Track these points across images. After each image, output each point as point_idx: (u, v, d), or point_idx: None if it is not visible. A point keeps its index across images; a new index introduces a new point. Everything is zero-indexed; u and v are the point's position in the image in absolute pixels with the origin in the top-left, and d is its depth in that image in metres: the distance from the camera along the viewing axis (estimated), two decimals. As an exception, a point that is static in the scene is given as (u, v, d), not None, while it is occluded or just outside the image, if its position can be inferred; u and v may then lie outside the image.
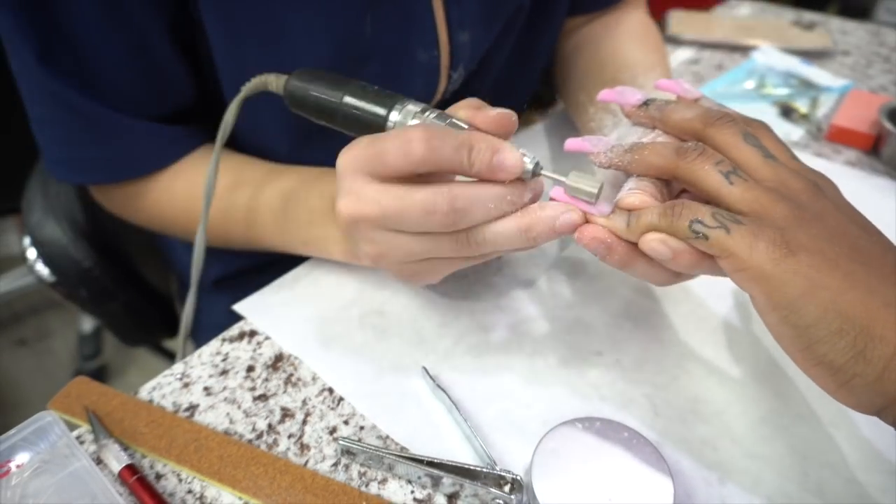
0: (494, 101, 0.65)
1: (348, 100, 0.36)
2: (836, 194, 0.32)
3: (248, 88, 0.40)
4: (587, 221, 0.34)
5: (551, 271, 0.50)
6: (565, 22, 0.66)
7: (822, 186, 0.32)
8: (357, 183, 0.33)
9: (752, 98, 0.73)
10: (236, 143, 0.55)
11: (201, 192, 0.44)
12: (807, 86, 0.76)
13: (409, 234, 0.34)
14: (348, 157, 0.34)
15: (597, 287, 0.48)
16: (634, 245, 0.33)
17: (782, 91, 0.75)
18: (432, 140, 0.31)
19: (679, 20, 0.92)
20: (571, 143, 0.37)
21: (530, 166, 0.33)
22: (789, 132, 0.68)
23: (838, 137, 0.67)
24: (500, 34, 0.57)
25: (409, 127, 0.33)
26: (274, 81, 0.39)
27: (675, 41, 0.89)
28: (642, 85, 0.48)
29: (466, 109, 0.34)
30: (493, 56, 0.58)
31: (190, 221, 0.51)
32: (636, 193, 0.33)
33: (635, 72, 0.50)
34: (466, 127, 0.34)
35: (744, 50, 0.86)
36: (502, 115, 0.34)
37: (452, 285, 0.48)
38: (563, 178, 0.33)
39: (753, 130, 0.34)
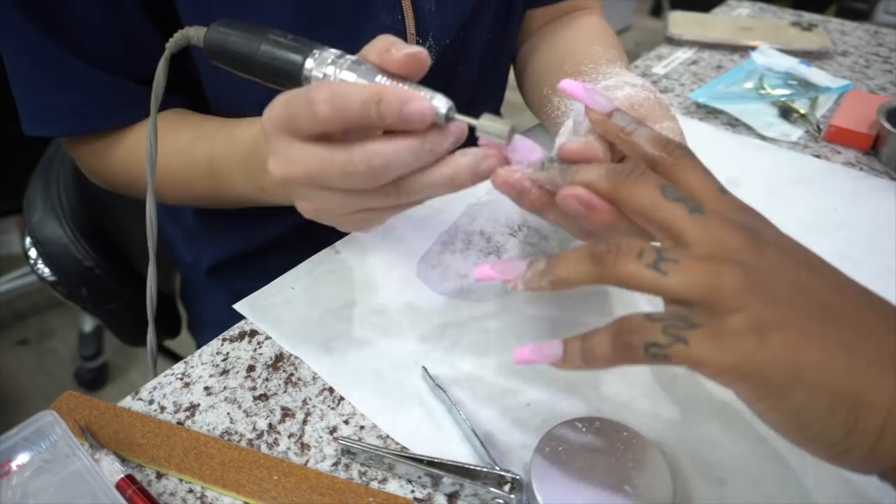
0: (482, 81, 0.66)
1: (264, 48, 0.35)
2: (773, 234, 0.29)
3: (171, 45, 0.39)
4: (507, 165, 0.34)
5: (551, 271, 0.50)
6: (525, 16, 0.66)
7: (758, 228, 0.29)
8: (282, 143, 0.33)
9: (751, 98, 0.74)
10: (210, 102, 0.56)
11: (164, 149, 0.45)
12: (806, 86, 0.76)
13: (338, 191, 0.34)
14: (268, 117, 0.33)
15: (597, 287, 0.48)
16: (547, 193, 0.34)
17: (781, 91, 0.75)
18: (336, 99, 0.31)
19: (678, 20, 0.92)
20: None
21: (443, 111, 0.32)
22: (788, 133, 0.68)
23: (837, 138, 0.67)
24: (475, 10, 0.57)
25: (314, 87, 0.32)
26: (195, 34, 0.37)
27: (675, 41, 0.89)
28: (605, 74, 0.47)
29: (376, 52, 0.33)
30: (471, 34, 0.59)
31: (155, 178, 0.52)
32: (578, 139, 0.34)
33: (598, 64, 0.49)
34: (377, 73, 0.33)
35: (743, 50, 0.87)
36: (410, 55, 0.32)
37: (452, 285, 0.49)
38: (474, 121, 0.33)
39: (671, 168, 0.31)
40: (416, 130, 0.32)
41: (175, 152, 0.50)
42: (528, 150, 0.34)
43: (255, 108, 0.41)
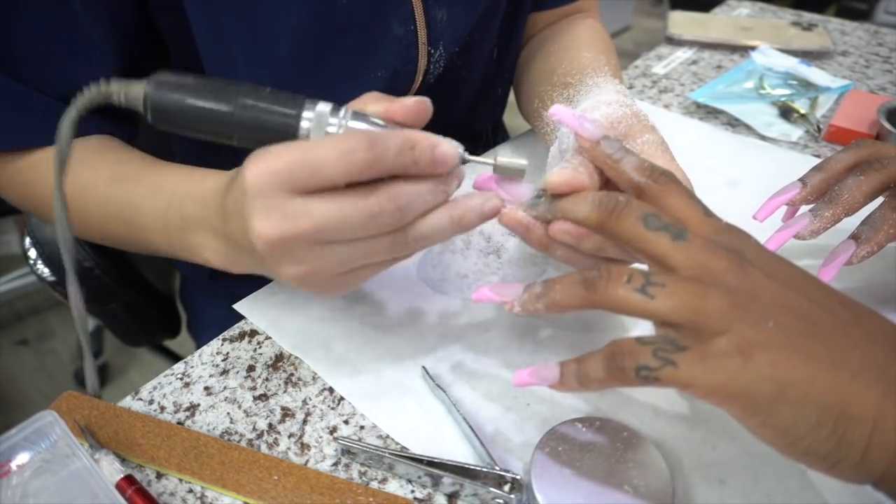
0: (487, 85, 0.66)
1: (246, 102, 0.31)
2: (757, 253, 0.30)
3: (79, 105, 0.32)
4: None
5: (551, 271, 0.50)
6: (528, 20, 0.67)
7: (742, 249, 0.29)
8: (278, 200, 0.31)
9: (751, 98, 0.74)
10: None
11: (75, 181, 0.41)
12: (806, 86, 0.76)
13: (345, 244, 0.33)
14: (262, 171, 0.31)
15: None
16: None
17: (781, 91, 0.75)
18: (375, 145, 0.30)
19: (678, 20, 0.92)
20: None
21: (463, 154, 0.34)
22: (788, 133, 0.68)
23: (837, 138, 0.67)
24: (483, 17, 0.57)
25: (342, 136, 0.31)
26: (120, 91, 0.32)
27: (675, 41, 0.89)
28: (588, 87, 0.48)
29: (376, 103, 0.34)
30: (478, 40, 0.59)
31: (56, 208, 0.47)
32: (563, 171, 0.35)
33: (584, 75, 0.50)
34: (383, 124, 0.33)
35: (743, 50, 0.87)
36: (419, 102, 0.33)
37: (452, 285, 0.49)
38: (491, 161, 0.35)
39: (657, 194, 0.32)
40: (440, 174, 0.33)
41: (86, 187, 0.45)
42: (517, 191, 0.37)
43: None
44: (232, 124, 0.32)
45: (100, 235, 0.49)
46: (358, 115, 0.33)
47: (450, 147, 0.33)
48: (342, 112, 0.33)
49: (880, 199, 0.45)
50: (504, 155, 0.36)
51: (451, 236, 0.35)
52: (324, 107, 0.32)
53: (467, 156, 0.34)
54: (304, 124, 0.32)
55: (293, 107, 0.32)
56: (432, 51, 0.54)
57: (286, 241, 0.32)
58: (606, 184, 0.37)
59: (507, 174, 0.36)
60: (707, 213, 0.31)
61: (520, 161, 0.36)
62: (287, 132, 0.32)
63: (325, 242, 0.32)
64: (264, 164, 0.31)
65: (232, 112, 0.31)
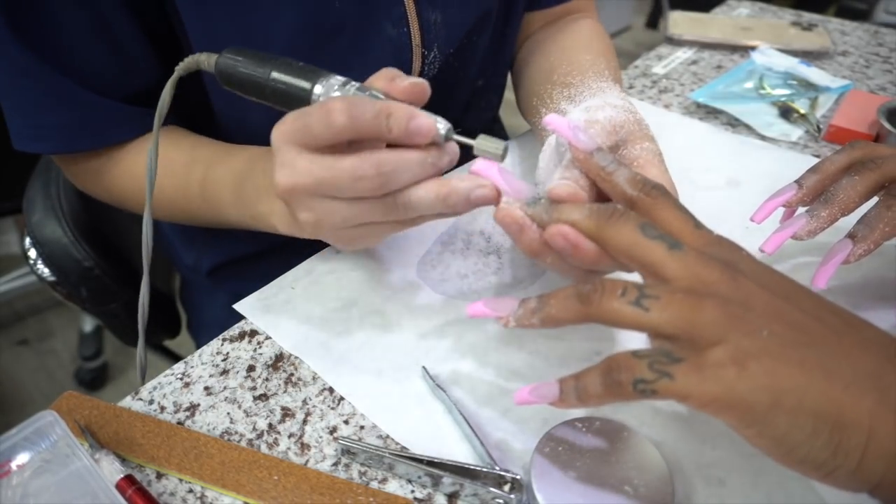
0: (482, 84, 0.66)
1: (275, 75, 0.38)
2: (749, 264, 0.30)
3: (180, 68, 0.41)
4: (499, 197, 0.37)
5: (550, 272, 0.50)
6: (523, 19, 0.67)
7: (734, 260, 0.30)
8: (290, 155, 0.35)
9: (751, 98, 0.74)
10: (217, 119, 0.56)
11: (159, 170, 0.45)
12: (806, 86, 0.76)
13: (343, 200, 0.36)
14: (280, 130, 0.36)
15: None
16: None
17: (781, 91, 0.75)
18: (352, 109, 0.33)
19: (678, 20, 0.92)
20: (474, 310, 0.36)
21: (443, 131, 0.35)
22: (788, 133, 0.68)
23: (837, 138, 0.67)
24: (478, 20, 0.57)
25: (330, 98, 0.35)
26: (206, 60, 0.40)
27: (675, 42, 0.89)
28: (591, 89, 0.48)
29: (383, 80, 0.37)
30: (473, 42, 0.59)
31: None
32: (566, 183, 0.36)
33: (585, 76, 0.50)
34: (383, 97, 0.36)
35: (743, 50, 0.87)
36: (415, 83, 0.36)
37: (452, 285, 0.49)
38: (471, 141, 0.36)
39: (649, 207, 0.33)
40: (419, 145, 0.35)
41: (170, 174, 0.50)
42: (518, 187, 0.37)
43: (262, 123, 0.42)
44: (265, 90, 0.38)
45: (179, 216, 0.54)
46: (363, 89, 0.37)
47: (426, 119, 0.34)
48: (349, 85, 0.37)
49: (875, 199, 0.45)
50: (484, 136, 0.36)
51: (439, 211, 0.36)
52: (335, 80, 0.37)
53: (452, 134, 0.36)
54: (314, 95, 0.37)
55: (310, 79, 0.37)
56: (426, 53, 0.54)
57: (295, 191, 0.36)
58: (598, 197, 0.37)
59: (484, 155, 0.36)
60: (697, 225, 0.32)
61: (497, 145, 0.36)
62: (303, 99, 0.37)
63: (326, 196, 0.36)
64: (281, 125, 0.36)
65: (265, 80, 0.38)
